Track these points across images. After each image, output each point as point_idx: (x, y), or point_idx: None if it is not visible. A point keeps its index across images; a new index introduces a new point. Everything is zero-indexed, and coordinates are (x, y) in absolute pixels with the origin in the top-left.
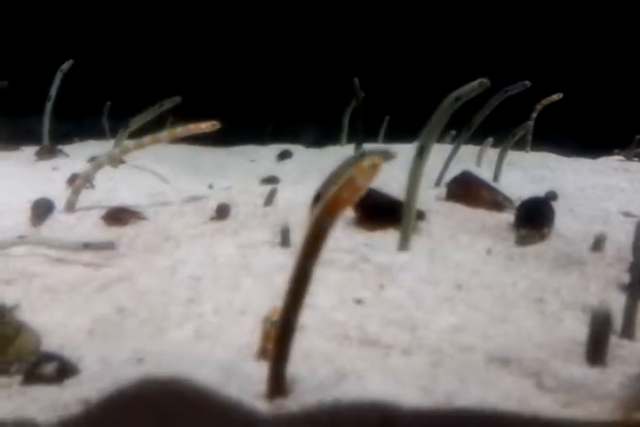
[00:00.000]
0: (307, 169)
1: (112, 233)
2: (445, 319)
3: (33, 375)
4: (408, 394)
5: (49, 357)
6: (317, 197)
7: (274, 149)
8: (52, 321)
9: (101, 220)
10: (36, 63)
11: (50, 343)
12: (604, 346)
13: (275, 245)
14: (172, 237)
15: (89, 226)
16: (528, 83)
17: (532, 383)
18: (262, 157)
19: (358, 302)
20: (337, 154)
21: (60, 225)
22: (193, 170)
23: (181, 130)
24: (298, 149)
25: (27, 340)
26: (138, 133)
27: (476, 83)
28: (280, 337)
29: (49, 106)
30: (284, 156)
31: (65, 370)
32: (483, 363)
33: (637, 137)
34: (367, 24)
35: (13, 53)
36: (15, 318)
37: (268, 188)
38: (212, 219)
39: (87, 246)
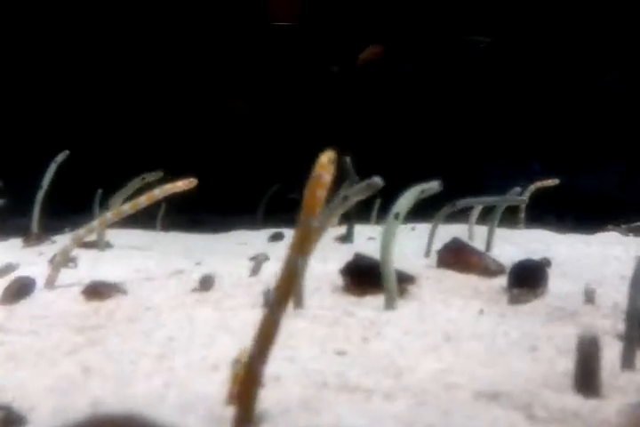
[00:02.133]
0: None
1: (91, 307)
2: (432, 365)
3: None
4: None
5: None
6: None
7: (265, 232)
8: (10, 380)
9: (81, 295)
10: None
11: (2, 398)
12: (594, 372)
13: (256, 307)
14: (152, 307)
15: (68, 301)
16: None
17: (523, 415)
18: (253, 239)
19: (340, 353)
20: (330, 234)
21: (39, 301)
22: (182, 252)
23: (159, 191)
24: (290, 233)
25: None
26: None
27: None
28: (250, 365)
29: (40, 193)
30: (275, 238)
31: (11, 420)
32: (470, 398)
33: None
34: (357, 108)
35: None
36: None
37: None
38: (195, 290)
39: None
